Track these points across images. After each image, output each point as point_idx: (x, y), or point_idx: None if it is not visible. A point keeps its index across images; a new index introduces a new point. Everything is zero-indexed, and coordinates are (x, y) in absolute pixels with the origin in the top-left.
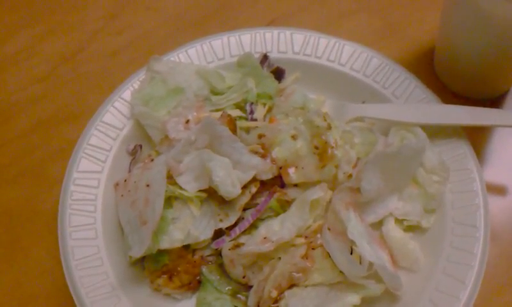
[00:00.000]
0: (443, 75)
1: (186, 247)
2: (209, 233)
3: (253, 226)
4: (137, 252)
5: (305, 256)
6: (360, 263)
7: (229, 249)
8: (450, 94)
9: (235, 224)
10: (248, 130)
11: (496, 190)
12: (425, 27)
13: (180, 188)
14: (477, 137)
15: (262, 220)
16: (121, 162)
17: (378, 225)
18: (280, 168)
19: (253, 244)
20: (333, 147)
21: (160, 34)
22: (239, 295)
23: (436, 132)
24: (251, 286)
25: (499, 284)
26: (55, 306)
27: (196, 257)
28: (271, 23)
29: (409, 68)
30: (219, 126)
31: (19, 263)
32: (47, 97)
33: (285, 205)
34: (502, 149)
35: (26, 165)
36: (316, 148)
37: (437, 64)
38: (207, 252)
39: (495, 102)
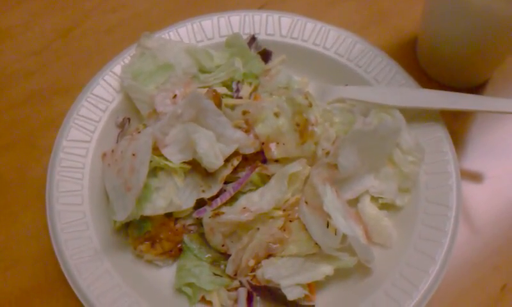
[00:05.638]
0: (425, 63)
1: (169, 215)
2: (191, 203)
3: (234, 198)
4: (121, 216)
5: (283, 228)
6: (335, 235)
7: (209, 217)
8: (431, 82)
9: (217, 196)
10: (233, 108)
11: (471, 175)
12: (411, 17)
13: (165, 159)
14: (457, 124)
15: (243, 193)
16: (110, 134)
17: (354, 202)
18: (262, 143)
19: (233, 213)
20: (313, 124)
21: (153, 14)
22: (217, 263)
23: (415, 116)
24: (229, 255)
25: (469, 263)
26: (40, 268)
27: (178, 226)
28: (262, 7)
29: (393, 55)
30: (205, 100)
31: (7, 228)
32: (41, 70)
33: (265, 180)
34: (480, 136)
35: (18, 135)
36: (297, 125)
37: (419, 53)
38: (189, 221)
39: (474, 90)
